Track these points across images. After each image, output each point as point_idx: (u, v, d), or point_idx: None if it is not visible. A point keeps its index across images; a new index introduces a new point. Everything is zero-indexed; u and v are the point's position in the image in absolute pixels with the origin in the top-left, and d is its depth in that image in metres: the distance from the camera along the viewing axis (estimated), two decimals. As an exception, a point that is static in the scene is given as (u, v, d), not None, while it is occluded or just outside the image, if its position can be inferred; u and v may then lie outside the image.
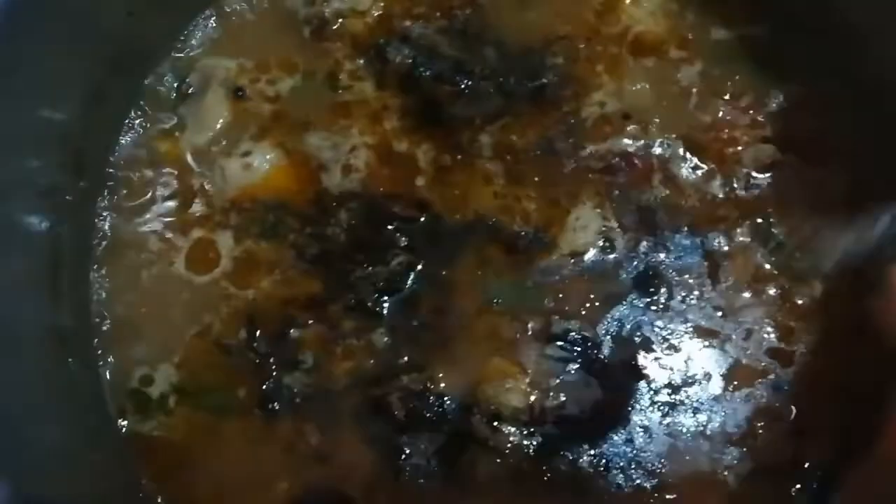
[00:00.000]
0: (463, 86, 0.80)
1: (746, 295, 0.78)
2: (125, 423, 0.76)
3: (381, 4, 0.83)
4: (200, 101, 0.80)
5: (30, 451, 0.61)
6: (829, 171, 0.80)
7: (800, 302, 0.78)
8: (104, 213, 0.79)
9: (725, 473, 0.75)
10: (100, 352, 0.77)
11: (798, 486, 0.75)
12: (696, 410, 0.76)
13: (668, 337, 0.77)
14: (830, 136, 0.80)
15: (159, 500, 0.75)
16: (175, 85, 0.81)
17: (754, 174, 0.80)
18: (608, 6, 0.84)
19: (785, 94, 0.82)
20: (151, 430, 0.75)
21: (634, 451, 0.75)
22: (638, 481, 0.74)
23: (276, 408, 0.75)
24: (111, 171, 0.79)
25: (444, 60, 0.81)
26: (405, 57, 0.81)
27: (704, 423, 0.75)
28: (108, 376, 0.76)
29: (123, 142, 0.80)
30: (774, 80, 0.82)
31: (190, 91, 0.80)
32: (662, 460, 0.75)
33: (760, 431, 0.75)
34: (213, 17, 0.83)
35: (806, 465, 0.75)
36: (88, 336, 0.76)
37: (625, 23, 0.84)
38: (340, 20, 0.82)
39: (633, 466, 0.75)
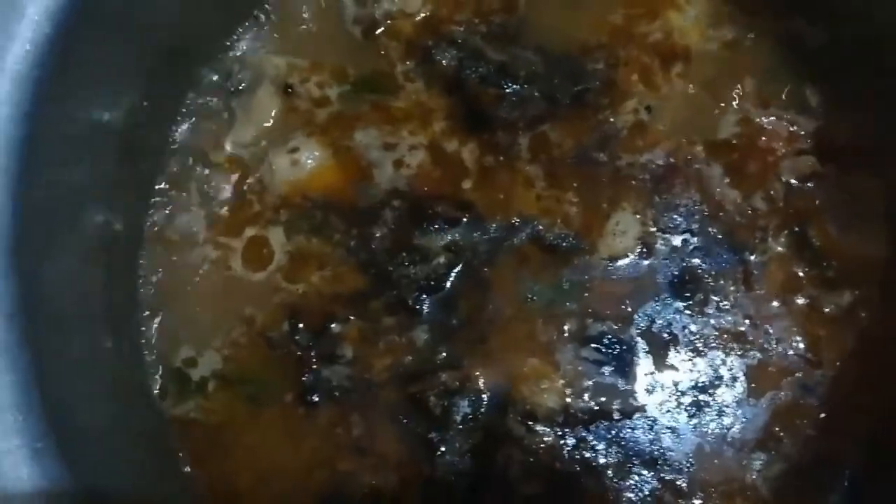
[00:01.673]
0: (508, 89, 0.81)
1: (777, 302, 0.79)
2: (165, 404, 0.78)
3: (430, 7, 0.84)
4: (251, 97, 0.81)
5: (83, 438, 0.63)
6: (868, 181, 0.80)
7: (827, 310, 0.78)
8: (156, 207, 0.81)
9: (754, 477, 0.76)
10: (146, 332, 0.79)
11: (830, 489, 0.76)
12: (722, 413, 0.77)
13: (701, 340, 0.78)
14: (870, 147, 0.80)
15: (200, 485, 0.77)
16: (227, 81, 0.82)
17: (794, 182, 0.81)
18: (650, 14, 0.85)
19: (826, 105, 0.82)
20: (188, 412, 0.78)
21: (664, 454, 0.76)
22: (668, 482, 0.76)
23: (316, 399, 0.77)
24: (163, 166, 0.81)
25: (489, 64, 0.82)
26: (451, 59, 0.82)
27: (733, 425, 0.76)
28: (153, 355, 0.79)
29: (175, 137, 0.82)
30: (815, 92, 0.82)
31: (241, 87, 0.82)
32: (691, 462, 0.76)
33: (789, 431, 0.76)
34: (266, 15, 0.84)
35: (838, 468, 0.76)
36: (137, 319, 0.79)
37: (665, 31, 0.84)
38: (389, 21, 0.83)
39: (663, 469, 0.76)
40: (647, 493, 0.75)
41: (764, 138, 0.81)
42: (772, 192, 0.80)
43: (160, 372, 0.78)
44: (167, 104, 0.81)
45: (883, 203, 0.80)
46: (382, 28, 0.83)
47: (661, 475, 0.76)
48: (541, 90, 0.81)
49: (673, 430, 0.77)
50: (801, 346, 0.78)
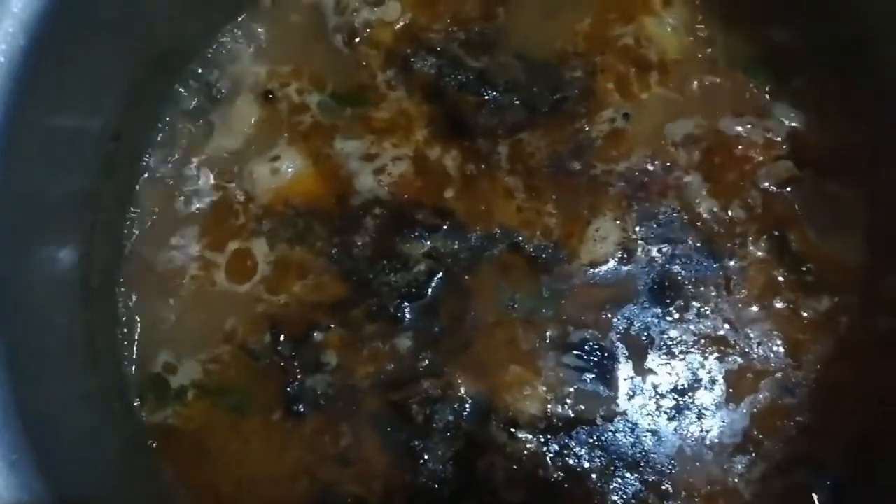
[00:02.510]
0: (487, 97, 0.81)
1: (757, 307, 0.79)
2: (144, 412, 0.78)
3: (409, 15, 0.84)
4: (230, 106, 0.82)
5: (61, 449, 0.62)
6: (846, 185, 0.81)
7: (806, 315, 0.79)
8: (135, 219, 0.81)
9: (736, 480, 0.76)
10: (125, 344, 0.79)
11: (811, 491, 0.76)
12: (703, 416, 0.77)
13: (682, 345, 0.78)
14: (848, 153, 0.81)
15: (181, 496, 0.77)
16: (206, 90, 0.82)
17: (772, 188, 0.81)
18: (627, 22, 0.85)
19: (803, 113, 0.82)
20: (167, 418, 0.77)
21: (647, 457, 0.76)
22: (652, 483, 0.76)
23: (301, 409, 0.76)
24: (142, 177, 0.81)
25: (468, 71, 0.82)
26: (431, 67, 0.82)
27: (714, 429, 0.77)
28: (133, 365, 0.78)
29: (154, 147, 0.82)
30: (792, 100, 0.83)
31: (220, 96, 0.82)
32: (673, 464, 0.76)
33: (770, 434, 0.77)
34: (245, 25, 0.84)
35: (820, 470, 0.76)
36: (116, 331, 0.78)
37: (642, 39, 0.85)
38: (368, 30, 0.83)
39: (647, 471, 0.76)
40: (631, 495, 0.75)
41: (741, 146, 0.82)
42: (749, 200, 0.81)
43: (139, 381, 0.78)
44: (146, 114, 0.81)
45: (861, 209, 0.81)
46: (362, 37, 0.84)
47: (645, 477, 0.76)
48: (520, 98, 0.82)
49: (655, 433, 0.77)
50: (782, 350, 0.78)
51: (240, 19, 0.84)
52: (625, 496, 0.75)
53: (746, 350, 0.78)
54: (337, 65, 0.83)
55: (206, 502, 0.76)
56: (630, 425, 0.77)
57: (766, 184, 0.81)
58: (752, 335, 0.78)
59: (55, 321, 0.69)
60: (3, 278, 0.61)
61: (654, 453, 0.76)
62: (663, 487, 0.76)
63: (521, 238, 0.80)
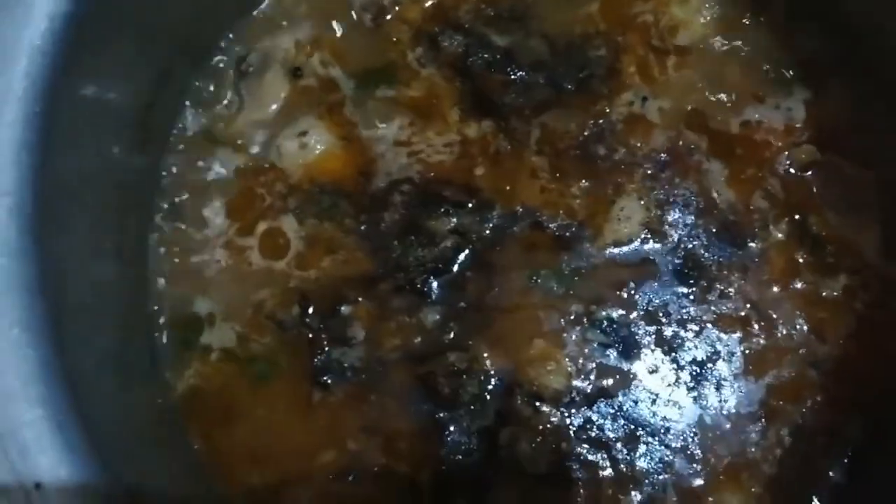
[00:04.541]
0: (514, 76, 0.82)
1: (778, 288, 0.80)
2: (171, 373, 0.79)
3: (437, -7, 0.85)
4: (260, 81, 0.82)
5: (101, 411, 0.63)
6: (868, 168, 0.82)
7: (824, 294, 0.80)
8: (166, 192, 0.81)
9: (754, 449, 0.77)
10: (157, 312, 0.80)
11: (831, 460, 0.78)
12: (722, 387, 0.78)
13: (704, 324, 0.79)
14: (870, 134, 0.82)
15: (207, 459, 0.78)
16: (236, 64, 0.83)
17: (794, 172, 0.82)
18: (651, 4, 0.86)
19: (825, 94, 0.84)
20: (189, 378, 0.78)
21: (671, 435, 0.77)
22: (677, 450, 0.77)
23: (328, 381, 0.77)
24: (174, 149, 0.82)
25: (495, 50, 0.83)
26: (458, 45, 0.83)
27: (737, 401, 0.78)
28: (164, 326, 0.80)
29: (185, 120, 0.82)
30: (815, 82, 0.84)
31: (250, 70, 0.82)
32: (695, 432, 0.77)
33: (792, 405, 0.78)
34: (277, 2, 0.84)
35: (840, 441, 0.78)
36: (150, 301, 0.79)
37: (666, 21, 0.85)
38: (396, 7, 0.84)
39: (671, 439, 0.77)
40: (658, 459, 0.77)
41: (761, 132, 0.83)
42: (769, 186, 0.82)
43: (169, 338, 0.79)
44: (176, 87, 0.81)
45: (875, 193, 0.82)
46: (390, 15, 0.84)
47: (670, 443, 0.77)
48: (546, 77, 0.83)
49: (676, 404, 0.78)
50: (805, 328, 0.79)
51: (269, -2, 0.84)
52: (651, 461, 0.77)
53: (770, 329, 0.79)
54: (365, 42, 0.84)
55: (232, 467, 0.77)
56: (653, 398, 0.78)
57: (786, 168, 0.82)
58: (775, 315, 0.79)
59: (91, 288, 0.70)
60: (44, 243, 0.61)
61: (677, 422, 0.77)
62: (689, 452, 0.77)
63: (543, 217, 0.80)
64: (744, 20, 0.85)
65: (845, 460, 0.77)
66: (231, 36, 0.84)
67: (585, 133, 0.82)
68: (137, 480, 0.64)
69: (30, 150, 0.60)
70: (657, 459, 0.77)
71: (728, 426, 0.78)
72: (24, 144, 0.60)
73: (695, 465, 0.77)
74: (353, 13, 0.85)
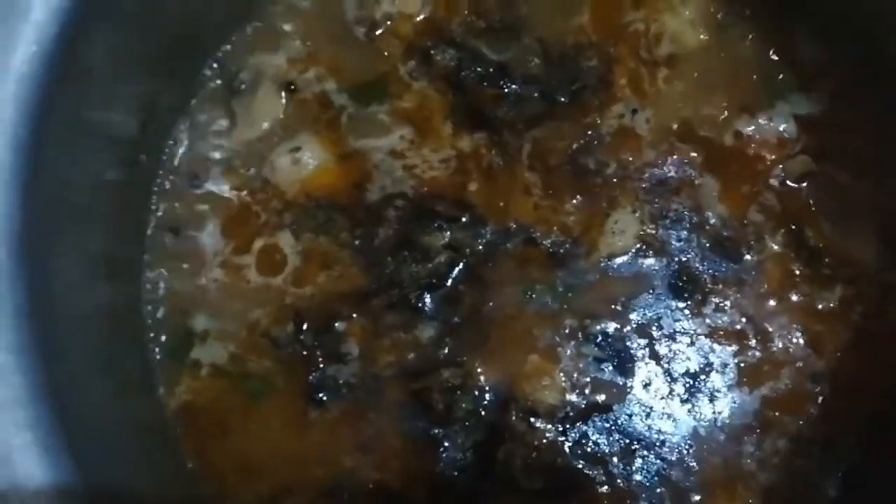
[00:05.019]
0: (507, 89, 0.82)
1: (774, 301, 0.80)
2: (164, 392, 0.78)
3: (429, 8, 0.85)
4: (252, 97, 0.82)
5: (91, 433, 0.63)
6: (864, 177, 0.81)
7: (820, 307, 0.79)
8: (159, 210, 0.81)
9: (749, 461, 0.77)
10: (151, 327, 0.80)
11: (827, 474, 0.77)
12: (715, 400, 0.78)
13: (699, 338, 0.79)
14: (864, 145, 0.82)
15: (202, 477, 0.78)
16: (228, 81, 0.83)
17: (789, 183, 0.82)
18: (644, 14, 0.85)
19: (820, 105, 0.83)
20: (182, 394, 0.78)
21: (666, 448, 0.77)
22: (673, 463, 0.77)
23: (324, 398, 0.77)
24: (166, 169, 0.82)
25: (488, 64, 0.83)
26: (450, 59, 0.83)
27: (732, 415, 0.78)
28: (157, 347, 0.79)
29: (178, 138, 0.82)
30: (809, 92, 0.83)
31: (242, 87, 0.82)
32: (691, 450, 0.77)
33: (789, 418, 0.78)
34: (267, 17, 0.84)
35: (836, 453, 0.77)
36: (142, 317, 0.79)
37: (658, 32, 0.85)
38: (389, 22, 0.84)
39: (664, 462, 0.77)
40: (654, 473, 0.77)
41: (754, 145, 0.82)
42: (763, 199, 0.81)
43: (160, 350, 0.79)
44: (169, 106, 0.81)
45: (872, 203, 0.81)
46: (383, 29, 0.84)
47: (665, 456, 0.77)
48: (539, 90, 0.82)
49: (670, 417, 0.78)
50: (802, 340, 0.79)
51: (261, 11, 0.84)
52: (648, 474, 0.76)
53: (765, 343, 0.79)
54: (358, 57, 0.84)
55: (225, 481, 0.77)
56: (648, 413, 0.78)
57: (781, 180, 0.82)
58: (770, 328, 0.79)
59: (83, 306, 0.70)
60: (33, 266, 0.61)
61: (672, 435, 0.77)
62: (685, 464, 0.77)
63: (537, 234, 0.80)
64: (736, 30, 0.84)
65: (840, 473, 0.76)
66: (222, 53, 0.83)
67: (574, 147, 0.82)
68: (128, 494, 0.64)
69: (18, 173, 0.60)
70: (654, 472, 0.77)
71: (723, 438, 0.77)
72: (12, 168, 0.60)
73: (692, 478, 0.77)
74: (345, 28, 0.84)
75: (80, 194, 0.69)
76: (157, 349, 0.79)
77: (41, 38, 0.62)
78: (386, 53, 0.84)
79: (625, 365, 0.79)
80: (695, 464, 0.77)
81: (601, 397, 0.78)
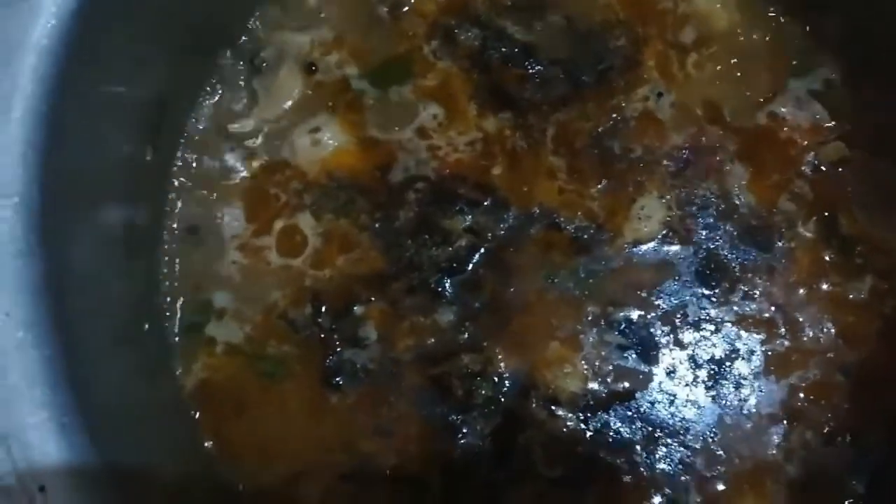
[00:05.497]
0: (531, 70, 0.80)
1: (804, 290, 0.78)
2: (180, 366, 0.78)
3: (454, -15, 0.83)
4: (274, 76, 0.81)
5: (106, 411, 0.63)
6: (893, 168, 0.79)
7: (851, 297, 0.78)
8: (178, 190, 0.80)
9: (775, 452, 0.76)
10: (168, 308, 0.79)
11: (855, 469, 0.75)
12: (743, 389, 0.76)
13: (726, 326, 0.77)
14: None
15: (219, 458, 0.77)
16: (250, 60, 0.82)
17: (823, 169, 0.80)
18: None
19: (851, 95, 0.81)
20: (198, 369, 0.78)
21: (691, 436, 0.76)
22: (697, 451, 0.76)
23: (340, 382, 0.76)
24: (186, 147, 0.81)
25: (513, 44, 0.81)
26: (474, 38, 0.82)
27: (760, 404, 0.76)
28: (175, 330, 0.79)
29: (198, 116, 0.81)
30: (843, 75, 0.81)
31: (264, 66, 0.81)
32: (716, 438, 0.76)
33: (818, 407, 0.76)
34: (291, -5, 0.83)
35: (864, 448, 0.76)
36: (159, 300, 0.79)
37: (690, 13, 0.83)
38: (412, 2, 0.82)
39: (688, 450, 0.76)
40: (677, 461, 0.75)
41: (787, 128, 0.81)
42: (794, 186, 0.80)
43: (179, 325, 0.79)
44: (190, 83, 0.80)
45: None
46: (406, 7, 0.83)
47: (689, 444, 0.75)
48: (565, 70, 0.81)
49: (695, 404, 0.76)
50: (832, 331, 0.77)
51: (285, -10, 0.83)
52: (672, 463, 0.75)
53: (795, 332, 0.77)
54: (381, 36, 0.83)
55: (242, 460, 0.77)
56: (671, 400, 0.76)
57: (815, 166, 0.80)
58: (800, 317, 0.77)
59: (100, 283, 0.69)
60: (50, 242, 0.61)
61: (695, 422, 0.76)
62: (710, 453, 0.75)
63: (561, 219, 0.79)
64: (769, 11, 0.82)
65: (868, 470, 0.74)
66: (245, 31, 0.83)
67: (599, 129, 0.80)
68: (144, 473, 0.64)
69: (37, 148, 0.60)
70: (677, 461, 0.75)
71: (749, 427, 0.76)
72: (32, 143, 0.59)
73: (717, 467, 0.75)
74: (369, 6, 0.83)
75: (99, 170, 0.69)
76: (175, 326, 0.79)
77: (60, 12, 0.61)
78: (410, 33, 0.82)
79: (648, 352, 0.77)
80: (721, 452, 0.75)
81: (624, 385, 0.77)
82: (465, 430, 0.75)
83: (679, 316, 0.78)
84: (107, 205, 0.71)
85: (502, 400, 0.76)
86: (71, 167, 0.63)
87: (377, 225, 0.79)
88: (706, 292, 0.78)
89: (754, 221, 0.79)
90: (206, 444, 0.77)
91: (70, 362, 0.58)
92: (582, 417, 0.76)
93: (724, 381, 0.77)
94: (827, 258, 0.78)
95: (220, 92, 0.82)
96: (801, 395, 0.76)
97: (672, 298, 0.78)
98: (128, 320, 0.73)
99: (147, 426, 0.71)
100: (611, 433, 0.76)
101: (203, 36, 0.79)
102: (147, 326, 0.76)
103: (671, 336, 0.77)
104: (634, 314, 0.78)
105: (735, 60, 0.82)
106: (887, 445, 0.75)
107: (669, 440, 0.76)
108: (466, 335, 0.77)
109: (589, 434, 0.75)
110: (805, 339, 0.77)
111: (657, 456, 0.76)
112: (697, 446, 0.76)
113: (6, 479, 0.54)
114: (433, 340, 0.77)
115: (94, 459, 0.57)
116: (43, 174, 0.60)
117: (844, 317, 0.77)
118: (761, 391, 0.76)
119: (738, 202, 0.79)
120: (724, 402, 0.76)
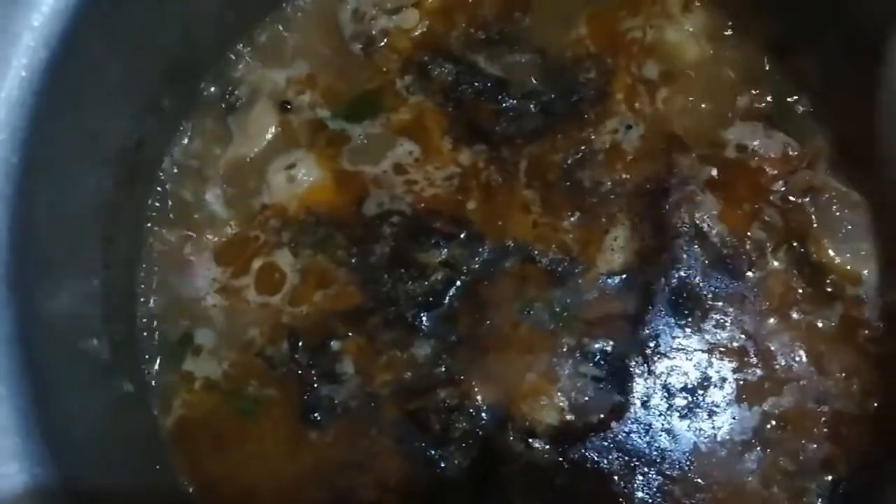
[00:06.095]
0: (505, 104, 0.81)
1: (775, 318, 0.79)
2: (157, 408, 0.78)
3: (426, 23, 0.84)
4: (248, 113, 0.82)
5: (82, 458, 0.63)
6: (869, 194, 0.80)
7: (821, 325, 0.78)
8: (154, 231, 0.81)
9: (750, 479, 0.76)
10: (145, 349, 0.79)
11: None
12: (714, 415, 0.77)
13: (699, 355, 0.78)
14: (871, 158, 0.79)
15: (196, 496, 0.78)
16: (225, 97, 0.82)
17: (791, 199, 0.81)
18: (645, 26, 0.84)
19: (823, 118, 0.82)
20: (177, 407, 0.78)
21: (667, 464, 0.76)
22: (674, 479, 0.76)
23: (318, 418, 0.77)
24: (161, 187, 0.82)
25: (486, 78, 0.82)
26: (448, 74, 0.82)
27: (733, 432, 0.77)
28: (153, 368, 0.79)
29: (173, 156, 0.82)
30: (812, 105, 0.82)
31: (238, 104, 0.82)
32: (692, 465, 0.76)
33: (790, 435, 0.77)
34: (264, 34, 0.84)
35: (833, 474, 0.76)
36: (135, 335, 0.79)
37: (659, 44, 0.84)
38: (386, 38, 0.83)
39: (665, 478, 0.76)
40: (656, 489, 0.76)
41: (757, 158, 0.81)
42: (765, 215, 0.80)
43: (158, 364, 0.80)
44: (165, 123, 0.81)
45: (876, 220, 0.80)
46: (380, 44, 0.84)
47: (667, 472, 0.76)
48: (538, 104, 0.82)
49: (671, 434, 0.77)
50: (804, 359, 0.78)
51: (258, 28, 0.84)
52: (650, 491, 0.76)
53: (766, 361, 0.78)
54: (355, 72, 0.83)
55: (220, 497, 0.77)
56: (646, 429, 0.77)
57: (784, 196, 0.80)
58: (772, 346, 0.78)
59: (76, 330, 0.70)
60: (26, 292, 0.61)
61: (671, 451, 0.76)
62: (687, 480, 0.76)
63: (535, 252, 0.80)
64: (736, 42, 0.83)
65: (843, 499, 0.75)
66: (219, 69, 0.83)
67: (569, 161, 0.81)
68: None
69: (8, 201, 0.60)
70: (656, 489, 0.76)
71: (724, 454, 0.76)
72: (3, 195, 0.60)
73: (697, 494, 0.76)
74: (342, 44, 0.84)
75: (72, 219, 0.69)
76: (154, 364, 0.79)
77: (31, 63, 0.62)
78: (384, 69, 0.83)
79: (623, 383, 0.78)
80: (699, 479, 0.76)
81: (600, 416, 0.77)
82: (443, 465, 0.76)
83: (652, 345, 0.78)
84: (82, 247, 0.72)
85: (480, 433, 0.76)
86: (44, 218, 0.64)
87: (354, 260, 0.80)
88: (679, 322, 0.79)
89: (725, 250, 0.80)
90: (184, 482, 0.77)
91: (43, 410, 0.59)
92: (559, 449, 0.76)
93: (697, 410, 0.77)
94: (798, 287, 0.79)
95: (195, 130, 0.82)
96: (774, 422, 0.77)
97: (645, 328, 0.79)
98: (105, 363, 0.73)
99: (124, 466, 0.71)
100: (588, 464, 0.76)
101: (177, 77, 0.79)
102: (124, 367, 0.76)
103: (645, 366, 0.78)
104: (608, 345, 0.78)
105: (705, 91, 0.83)
106: (861, 473, 0.76)
107: (647, 469, 0.76)
108: (443, 368, 0.78)
109: (566, 465, 0.76)
110: (777, 367, 0.78)
111: (635, 485, 0.76)
112: (675, 474, 0.76)
113: (-22, 533, 0.55)
114: (410, 375, 0.78)
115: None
116: (15, 225, 0.60)
117: (817, 345, 0.78)
118: (734, 419, 0.77)
119: (709, 231, 0.80)
120: (698, 429, 0.77)
